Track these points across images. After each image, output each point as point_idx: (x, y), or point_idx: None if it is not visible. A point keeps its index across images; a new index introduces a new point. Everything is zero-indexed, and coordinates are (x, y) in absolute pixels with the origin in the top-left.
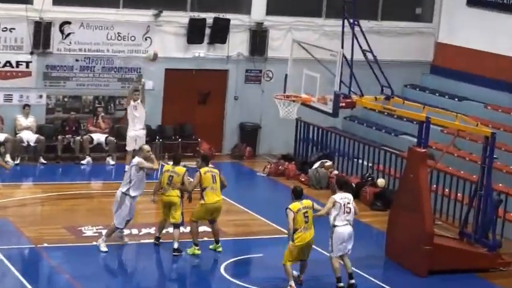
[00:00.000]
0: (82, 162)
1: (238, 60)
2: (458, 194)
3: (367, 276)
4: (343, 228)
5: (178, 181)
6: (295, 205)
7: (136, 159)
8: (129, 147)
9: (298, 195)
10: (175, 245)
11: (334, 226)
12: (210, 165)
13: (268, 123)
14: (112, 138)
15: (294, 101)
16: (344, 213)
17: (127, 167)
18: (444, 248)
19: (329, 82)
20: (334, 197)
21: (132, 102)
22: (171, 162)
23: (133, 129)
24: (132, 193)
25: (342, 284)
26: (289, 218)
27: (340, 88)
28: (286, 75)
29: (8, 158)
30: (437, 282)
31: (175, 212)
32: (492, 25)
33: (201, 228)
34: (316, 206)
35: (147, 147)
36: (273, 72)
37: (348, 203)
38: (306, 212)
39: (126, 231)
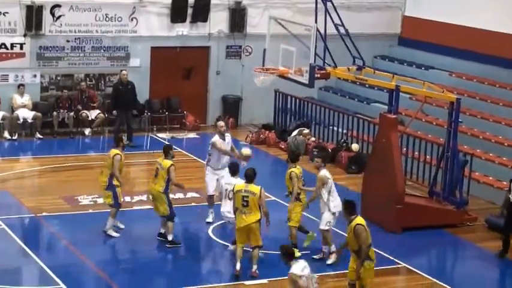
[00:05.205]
0: (85, 132)
1: (219, 37)
2: (427, 156)
3: (344, 234)
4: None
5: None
6: (239, 185)
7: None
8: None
9: (248, 178)
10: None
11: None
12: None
13: (249, 95)
14: (102, 115)
15: (272, 73)
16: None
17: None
18: (415, 206)
19: (304, 55)
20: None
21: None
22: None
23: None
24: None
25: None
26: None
27: (315, 60)
28: (264, 49)
29: (6, 134)
30: (410, 238)
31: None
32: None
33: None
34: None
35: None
36: (252, 47)
37: None
38: (247, 196)
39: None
